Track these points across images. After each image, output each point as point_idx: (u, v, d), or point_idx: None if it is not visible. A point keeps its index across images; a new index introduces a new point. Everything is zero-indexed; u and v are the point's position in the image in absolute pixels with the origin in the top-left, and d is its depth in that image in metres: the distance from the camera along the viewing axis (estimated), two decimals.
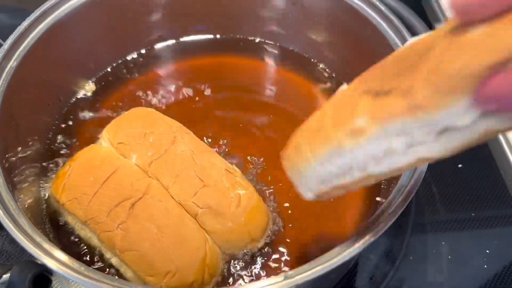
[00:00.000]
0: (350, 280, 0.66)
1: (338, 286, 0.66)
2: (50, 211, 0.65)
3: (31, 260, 0.49)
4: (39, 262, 0.48)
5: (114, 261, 0.59)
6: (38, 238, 0.49)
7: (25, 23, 0.66)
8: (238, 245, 0.60)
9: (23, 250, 0.49)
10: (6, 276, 0.48)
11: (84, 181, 0.60)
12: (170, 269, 0.55)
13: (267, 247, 0.62)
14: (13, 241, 0.50)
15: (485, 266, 0.67)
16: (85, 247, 0.62)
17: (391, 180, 0.59)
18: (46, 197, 0.66)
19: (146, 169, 0.62)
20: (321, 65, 0.83)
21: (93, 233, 0.59)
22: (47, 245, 0.49)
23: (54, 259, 0.47)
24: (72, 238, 0.62)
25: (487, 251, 0.68)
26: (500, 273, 0.66)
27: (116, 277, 0.58)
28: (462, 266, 0.67)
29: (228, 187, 0.61)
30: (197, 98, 0.80)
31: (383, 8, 0.67)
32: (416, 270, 0.66)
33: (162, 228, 0.57)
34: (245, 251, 0.61)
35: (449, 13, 0.28)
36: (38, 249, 0.48)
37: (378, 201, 0.64)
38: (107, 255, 0.59)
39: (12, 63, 0.63)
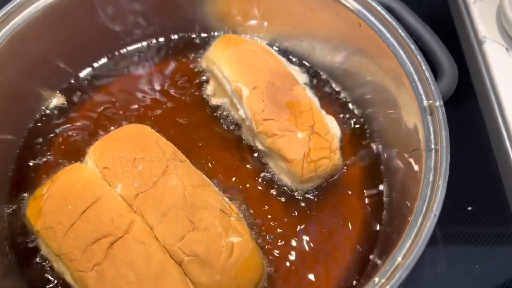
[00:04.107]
0: None
1: None
2: (13, 228, 0.60)
3: None
4: None
5: None
6: None
7: None
8: None
9: None
10: None
11: (61, 209, 0.54)
12: None
13: None
14: None
15: None
16: (48, 268, 0.57)
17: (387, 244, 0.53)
18: (8, 214, 0.61)
19: (131, 202, 0.55)
20: None
21: (66, 269, 0.53)
22: None
23: None
24: (37, 260, 0.58)
25: None
26: None
27: None
28: None
29: (221, 232, 0.54)
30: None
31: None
32: None
33: (140, 277, 0.50)
34: None
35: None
36: None
37: (371, 259, 0.59)
38: None
39: None
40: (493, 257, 0.68)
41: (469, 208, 0.70)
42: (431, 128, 0.52)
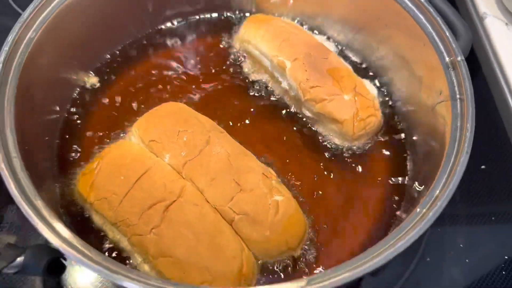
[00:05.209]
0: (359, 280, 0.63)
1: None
2: (65, 202, 0.62)
3: (45, 244, 0.47)
4: (52, 246, 0.45)
5: (145, 267, 0.56)
6: (53, 220, 0.47)
7: None
8: (274, 254, 0.58)
9: (33, 227, 0.47)
10: (20, 259, 0.46)
11: (114, 180, 0.57)
12: (205, 278, 0.52)
13: (303, 256, 0.60)
14: (22, 216, 0.47)
15: (503, 272, 0.66)
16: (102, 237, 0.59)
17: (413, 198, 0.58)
18: (61, 188, 0.64)
19: (180, 170, 0.59)
20: None
21: (123, 236, 0.56)
22: (61, 227, 0.46)
23: (68, 243, 0.45)
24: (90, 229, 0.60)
25: (506, 256, 0.67)
26: None
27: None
28: (480, 269, 0.66)
29: (266, 193, 0.58)
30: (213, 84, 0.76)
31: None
32: (433, 272, 0.65)
33: (197, 235, 0.54)
34: (281, 259, 0.59)
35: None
36: (51, 231, 0.45)
37: (397, 214, 0.64)
38: (137, 260, 0.57)
39: (31, 34, 0.60)
40: (510, 213, 0.72)
41: (483, 167, 0.75)
42: (454, 81, 0.57)
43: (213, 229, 0.55)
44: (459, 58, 0.57)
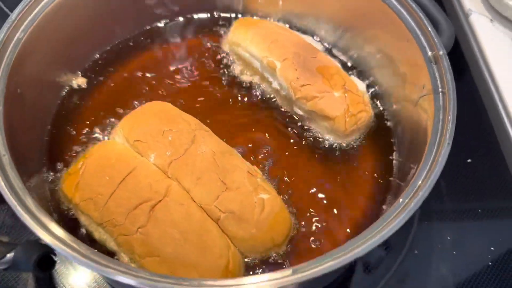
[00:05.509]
0: (351, 273, 0.65)
1: (339, 279, 0.65)
2: (54, 200, 0.62)
3: (35, 240, 0.48)
4: (43, 242, 0.45)
5: (132, 266, 0.56)
6: (43, 217, 0.47)
7: None
8: (260, 251, 0.58)
9: (24, 225, 0.47)
10: (10, 255, 0.46)
11: (99, 181, 0.57)
12: (192, 276, 0.52)
13: (288, 252, 0.60)
14: (14, 215, 0.48)
15: (490, 263, 0.67)
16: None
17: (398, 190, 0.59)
18: (50, 187, 0.63)
19: (166, 170, 0.59)
20: None
21: (110, 236, 0.56)
22: (51, 224, 0.46)
23: (59, 239, 0.45)
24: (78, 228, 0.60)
25: (492, 248, 0.68)
26: (504, 269, 0.67)
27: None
28: (467, 261, 0.67)
29: (251, 191, 0.58)
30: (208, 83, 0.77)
31: None
32: (420, 264, 0.66)
33: (184, 234, 0.54)
34: (266, 256, 0.59)
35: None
36: (41, 228, 0.45)
37: (384, 209, 0.64)
38: (124, 259, 0.56)
39: (20, 34, 0.60)
40: (496, 206, 0.74)
41: (469, 160, 0.77)
42: (436, 75, 0.57)
43: (200, 228, 0.55)
44: (441, 52, 0.58)
